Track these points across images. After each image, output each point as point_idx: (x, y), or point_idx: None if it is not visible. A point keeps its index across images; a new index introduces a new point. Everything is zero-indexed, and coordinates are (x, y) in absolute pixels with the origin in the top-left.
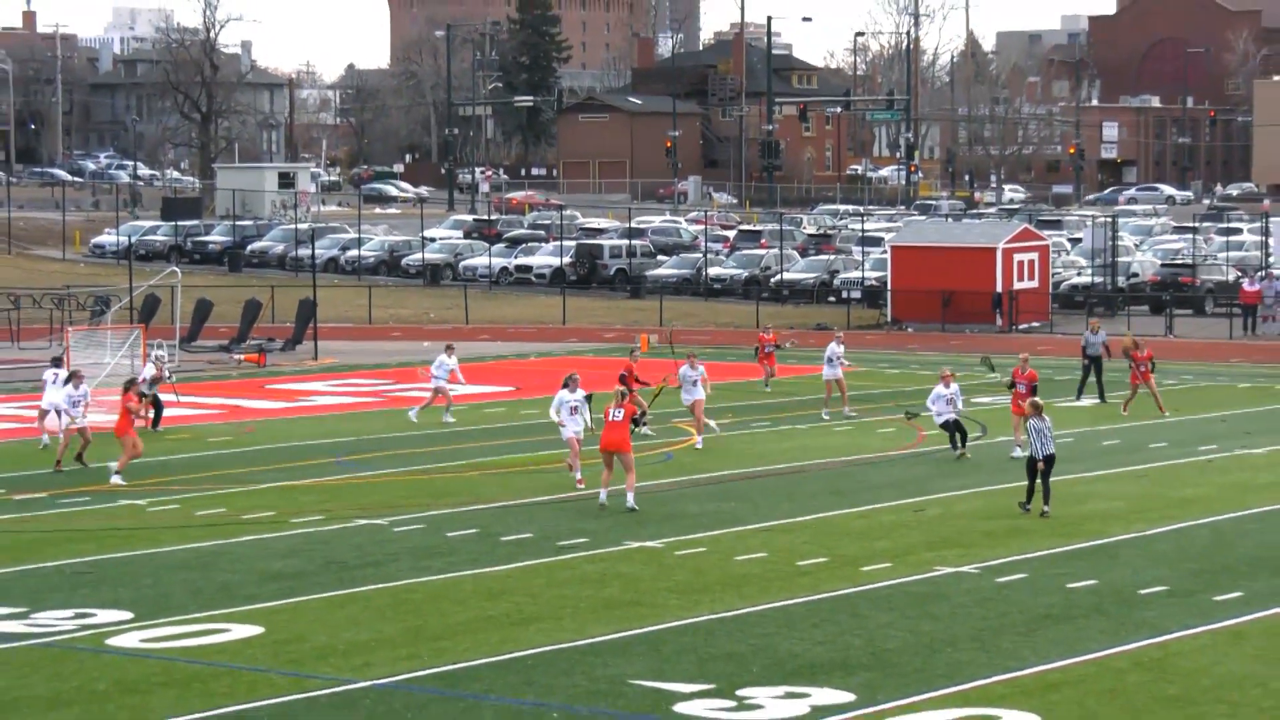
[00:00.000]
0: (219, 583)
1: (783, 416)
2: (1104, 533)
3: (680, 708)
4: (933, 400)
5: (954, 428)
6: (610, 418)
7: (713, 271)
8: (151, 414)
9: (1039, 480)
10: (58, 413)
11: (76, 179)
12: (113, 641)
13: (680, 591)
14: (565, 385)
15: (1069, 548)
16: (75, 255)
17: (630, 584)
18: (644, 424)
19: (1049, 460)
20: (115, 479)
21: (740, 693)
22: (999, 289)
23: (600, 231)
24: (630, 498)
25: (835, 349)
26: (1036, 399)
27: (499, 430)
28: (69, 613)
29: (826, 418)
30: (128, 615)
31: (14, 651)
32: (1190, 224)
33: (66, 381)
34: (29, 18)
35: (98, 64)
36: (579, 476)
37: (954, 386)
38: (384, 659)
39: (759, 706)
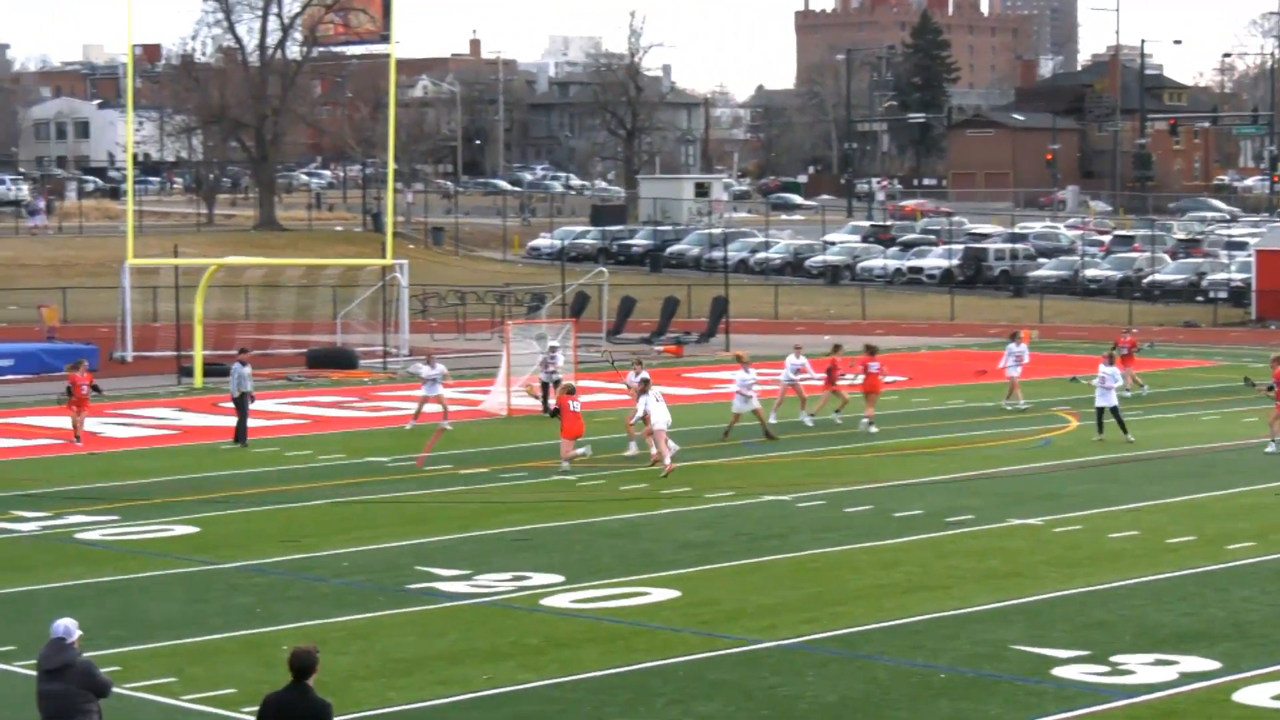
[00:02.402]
0: (641, 550)
1: (1152, 405)
2: None
3: (1058, 671)
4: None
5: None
6: (570, 409)
7: (1089, 273)
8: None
9: None
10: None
11: (515, 189)
12: (546, 602)
13: (1057, 565)
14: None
15: None
16: (514, 257)
17: (1010, 557)
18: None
19: None
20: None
21: (1113, 659)
22: None
23: (985, 236)
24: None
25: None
26: None
27: (893, 416)
28: (508, 575)
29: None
30: (559, 578)
31: (459, 609)
32: None
33: (746, 367)
34: (475, 45)
35: (535, 86)
36: (668, 463)
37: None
38: (787, 621)
39: (1131, 672)
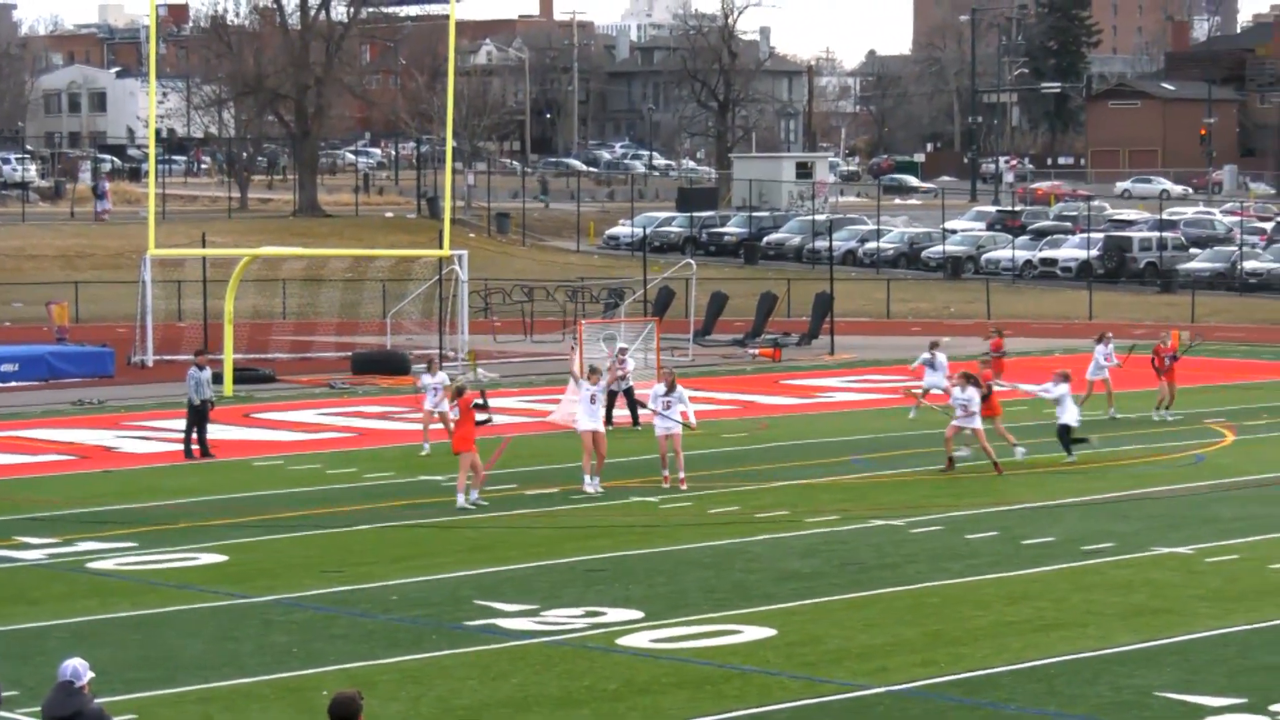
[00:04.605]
0: (732, 582)
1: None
2: None
3: None
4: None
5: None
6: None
7: (1248, 265)
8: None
9: None
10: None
11: (591, 169)
12: (623, 641)
13: (1212, 599)
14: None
15: None
16: (589, 247)
17: (1159, 591)
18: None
19: None
20: None
21: (1275, 708)
22: None
23: (1129, 223)
24: (461, 498)
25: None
26: None
27: (1020, 430)
28: (580, 610)
29: None
30: (639, 614)
31: (525, 649)
32: None
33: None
34: (546, 5)
35: (614, 51)
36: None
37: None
38: (900, 664)
39: None
